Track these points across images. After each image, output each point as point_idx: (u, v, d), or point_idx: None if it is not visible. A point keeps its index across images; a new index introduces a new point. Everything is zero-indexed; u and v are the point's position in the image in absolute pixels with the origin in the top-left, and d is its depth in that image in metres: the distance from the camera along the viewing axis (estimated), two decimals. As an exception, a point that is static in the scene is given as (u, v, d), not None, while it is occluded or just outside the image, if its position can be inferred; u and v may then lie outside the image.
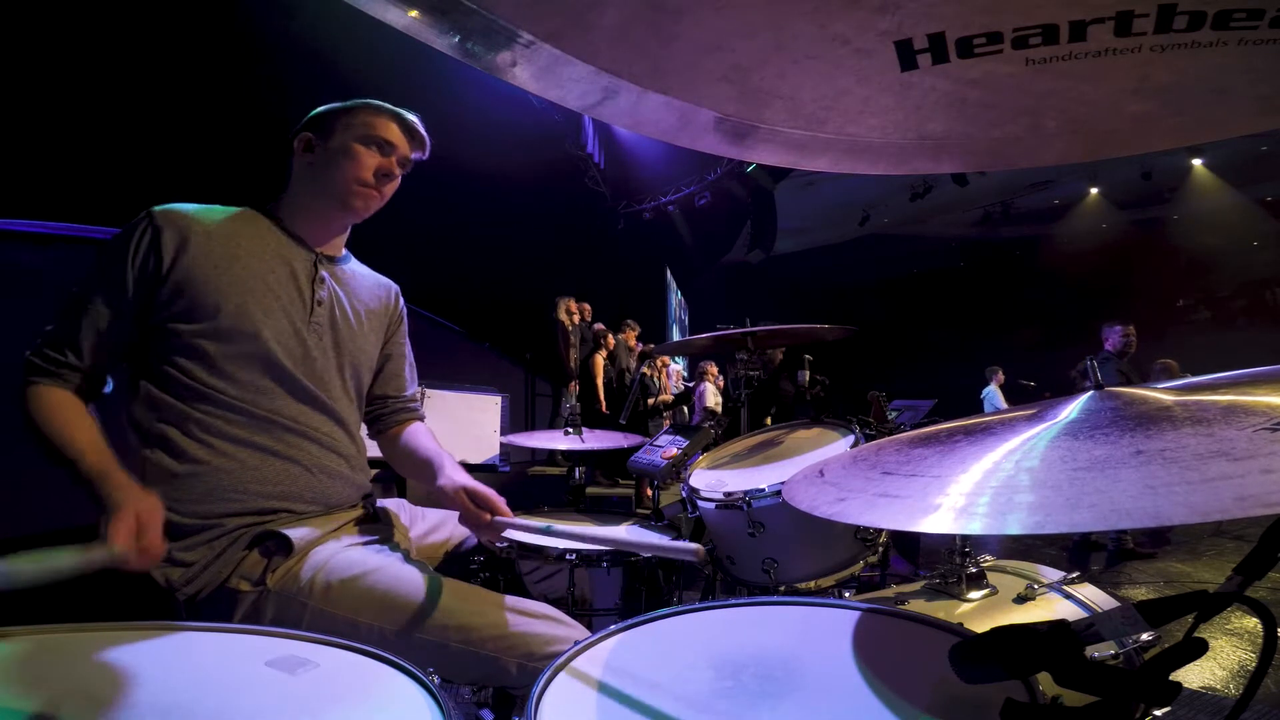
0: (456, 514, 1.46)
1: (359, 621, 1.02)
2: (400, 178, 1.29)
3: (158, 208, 1.14)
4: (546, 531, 1.09)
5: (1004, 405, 8.76)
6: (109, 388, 1.16)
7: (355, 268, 1.37)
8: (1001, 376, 9.35)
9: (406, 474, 1.41)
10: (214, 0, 4.96)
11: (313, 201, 1.26)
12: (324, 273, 1.26)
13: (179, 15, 4.65)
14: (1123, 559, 4.27)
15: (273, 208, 1.27)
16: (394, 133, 1.24)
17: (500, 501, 1.14)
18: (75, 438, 1.02)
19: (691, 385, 7.98)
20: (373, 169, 1.22)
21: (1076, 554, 4.41)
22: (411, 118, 1.27)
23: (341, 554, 1.10)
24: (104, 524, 0.89)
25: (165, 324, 1.11)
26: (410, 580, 1.07)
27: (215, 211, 1.20)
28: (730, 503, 1.47)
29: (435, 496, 1.22)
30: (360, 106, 1.25)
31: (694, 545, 0.92)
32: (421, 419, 1.44)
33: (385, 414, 1.41)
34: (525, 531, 1.16)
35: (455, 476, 1.19)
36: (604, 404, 6.37)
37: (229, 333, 1.12)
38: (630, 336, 6.99)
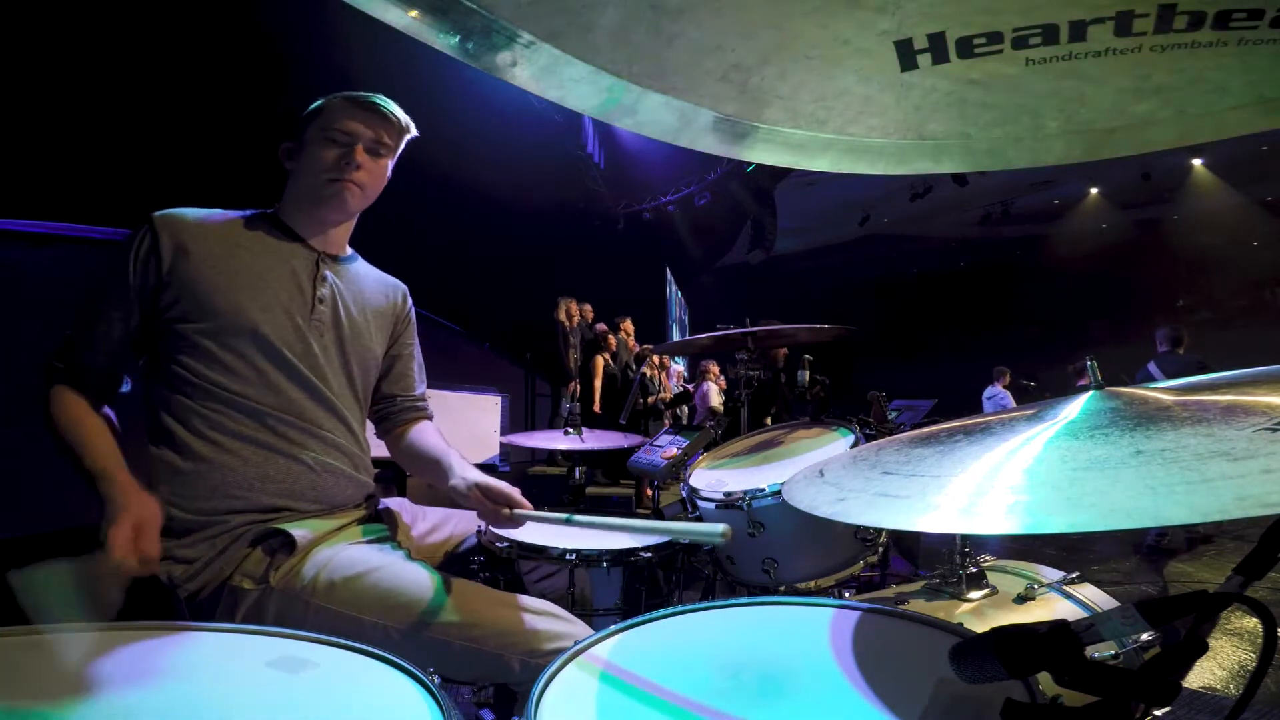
0: (457, 513, 1.46)
1: (363, 619, 1.02)
2: (383, 163, 1.27)
3: (158, 213, 1.16)
4: (567, 522, 1.08)
5: (1014, 406, 8.53)
6: (126, 387, 1.18)
7: (361, 268, 1.37)
8: (1008, 378, 9.17)
9: (415, 473, 1.40)
10: (215, 3, 4.96)
11: (301, 204, 1.27)
12: (326, 272, 1.27)
13: (180, 16, 4.65)
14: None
15: (275, 210, 1.29)
16: (351, 124, 1.22)
17: (515, 493, 1.14)
18: (80, 436, 1.06)
19: (691, 386, 7.98)
20: (332, 161, 1.21)
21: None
22: (375, 100, 1.24)
23: (344, 552, 1.11)
24: (104, 527, 0.91)
25: (170, 324, 1.13)
26: (413, 578, 1.07)
27: (216, 214, 1.23)
28: (730, 503, 1.47)
29: (449, 496, 1.22)
30: (323, 104, 1.24)
31: (720, 526, 0.88)
32: (430, 418, 1.45)
33: (393, 412, 1.41)
34: (546, 522, 1.15)
35: (467, 474, 1.19)
36: (598, 404, 6.39)
37: (227, 329, 1.13)
38: (627, 327, 6.98)
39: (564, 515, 1.09)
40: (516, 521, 1.14)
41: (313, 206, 1.25)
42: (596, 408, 6.35)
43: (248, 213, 1.27)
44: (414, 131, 1.30)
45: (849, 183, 13.31)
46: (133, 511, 0.94)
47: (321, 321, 1.23)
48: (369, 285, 1.36)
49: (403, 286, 1.43)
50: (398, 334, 1.40)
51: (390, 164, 1.29)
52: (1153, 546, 4.49)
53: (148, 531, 0.94)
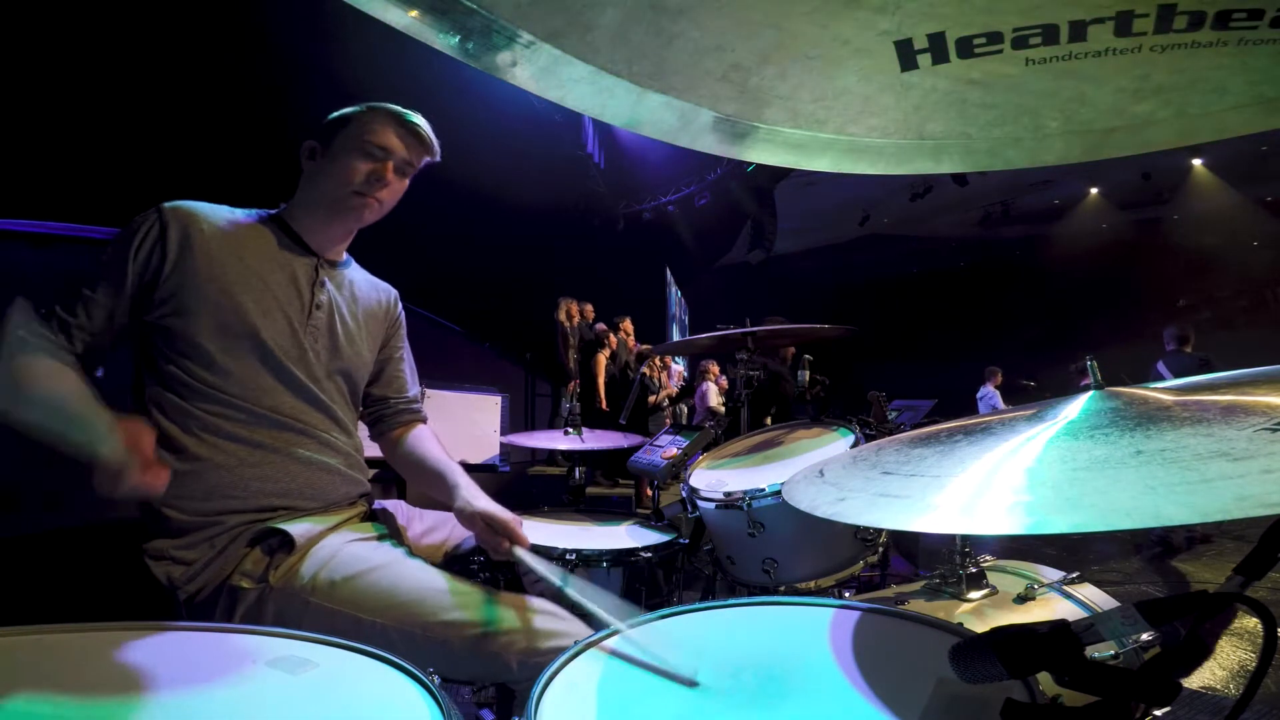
0: (454, 518, 1.46)
1: (361, 618, 1.02)
2: (405, 182, 1.28)
3: (168, 204, 1.15)
4: (560, 582, 1.05)
5: (1003, 406, 8.60)
6: (99, 373, 1.14)
7: (354, 273, 1.37)
8: (999, 378, 9.21)
9: (413, 481, 1.40)
10: (216, 3, 4.96)
11: (314, 208, 1.26)
12: (324, 277, 1.27)
13: (181, 16, 4.65)
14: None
15: (281, 211, 1.28)
16: (389, 139, 1.22)
17: (519, 530, 1.12)
18: (56, 389, 0.98)
19: (692, 384, 7.97)
20: (363, 175, 1.21)
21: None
22: (415, 120, 1.25)
23: (344, 550, 1.11)
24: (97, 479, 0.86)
25: (165, 320, 1.12)
26: (412, 577, 1.07)
27: (224, 211, 1.22)
28: (730, 503, 1.47)
29: (454, 515, 1.21)
30: (361, 113, 1.23)
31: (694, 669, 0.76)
32: (424, 421, 1.44)
33: (387, 415, 1.41)
34: (541, 572, 1.09)
35: (474, 501, 1.17)
36: (604, 401, 6.39)
37: (227, 330, 1.13)
38: (627, 326, 6.99)
39: (560, 575, 1.05)
40: (512, 558, 1.12)
41: (327, 214, 1.25)
42: (603, 405, 6.35)
43: (254, 213, 1.26)
44: (437, 157, 1.30)
45: (849, 183, 13.29)
46: (120, 425, 0.88)
47: (317, 327, 1.23)
48: (362, 290, 1.36)
49: (393, 291, 1.44)
50: (388, 337, 1.41)
51: (407, 183, 1.30)
52: (1159, 539, 4.52)
53: (141, 443, 0.89)
